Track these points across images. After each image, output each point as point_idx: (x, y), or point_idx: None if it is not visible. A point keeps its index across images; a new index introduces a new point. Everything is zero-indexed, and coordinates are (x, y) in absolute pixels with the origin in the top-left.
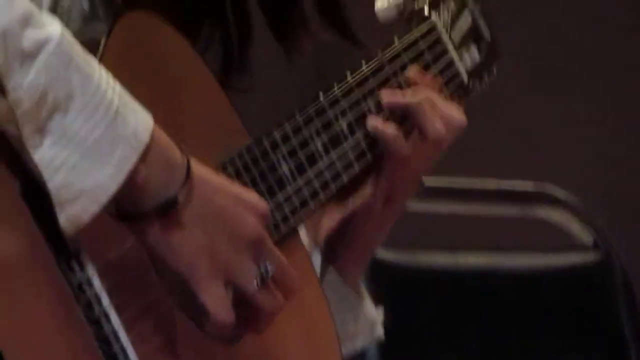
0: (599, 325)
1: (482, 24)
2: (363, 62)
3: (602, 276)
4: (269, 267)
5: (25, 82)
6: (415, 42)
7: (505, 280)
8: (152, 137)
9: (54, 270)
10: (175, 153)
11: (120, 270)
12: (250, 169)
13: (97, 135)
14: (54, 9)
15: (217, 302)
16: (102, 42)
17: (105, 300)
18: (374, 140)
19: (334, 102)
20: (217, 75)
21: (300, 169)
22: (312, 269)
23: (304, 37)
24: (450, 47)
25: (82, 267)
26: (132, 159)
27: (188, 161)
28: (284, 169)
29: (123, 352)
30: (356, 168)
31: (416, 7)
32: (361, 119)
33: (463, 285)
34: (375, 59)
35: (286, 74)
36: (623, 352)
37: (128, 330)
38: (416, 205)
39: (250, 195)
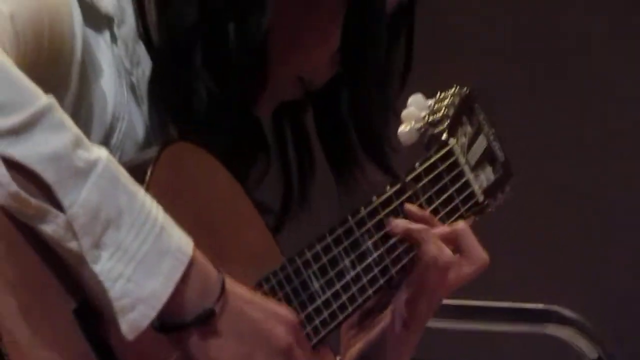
0: None
1: (496, 146)
2: (387, 186)
3: None
4: None
5: (79, 200)
6: (434, 166)
7: None
8: (194, 252)
9: None
10: (211, 268)
11: None
12: (284, 286)
13: (146, 249)
14: (106, 143)
15: None
16: (150, 169)
17: None
18: (397, 256)
19: (361, 223)
20: (273, 205)
21: (330, 284)
22: None
23: (359, 179)
24: (466, 168)
25: None
26: (180, 270)
27: (222, 276)
28: (315, 285)
29: None
30: (381, 281)
31: (435, 131)
32: (385, 237)
33: None
34: (398, 183)
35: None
36: None
37: None
38: (431, 322)
39: (281, 309)
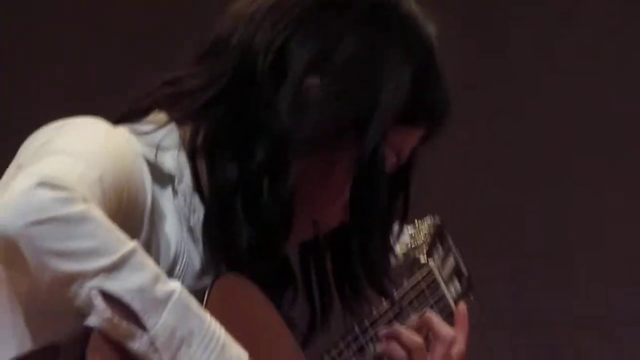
0: None
1: (460, 262)
2: (383, 300)
3: None
4: None
5: (160, 323)
6: (418, 283)
7: None
8: None
9: None
10: None
11: None
12: None
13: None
14: (171, 273)
15: None
16: (205, 296)
17: None
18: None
19: (365, 331)
20: (299, 327)
21: None
22: None
23: (365, 307)
24: (442, 284)
25: None
26: None
27: None
28: None
29: None
30: None
31: (417, 255)
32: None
33: None
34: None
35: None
36: None
37: None
38: None
39: None
